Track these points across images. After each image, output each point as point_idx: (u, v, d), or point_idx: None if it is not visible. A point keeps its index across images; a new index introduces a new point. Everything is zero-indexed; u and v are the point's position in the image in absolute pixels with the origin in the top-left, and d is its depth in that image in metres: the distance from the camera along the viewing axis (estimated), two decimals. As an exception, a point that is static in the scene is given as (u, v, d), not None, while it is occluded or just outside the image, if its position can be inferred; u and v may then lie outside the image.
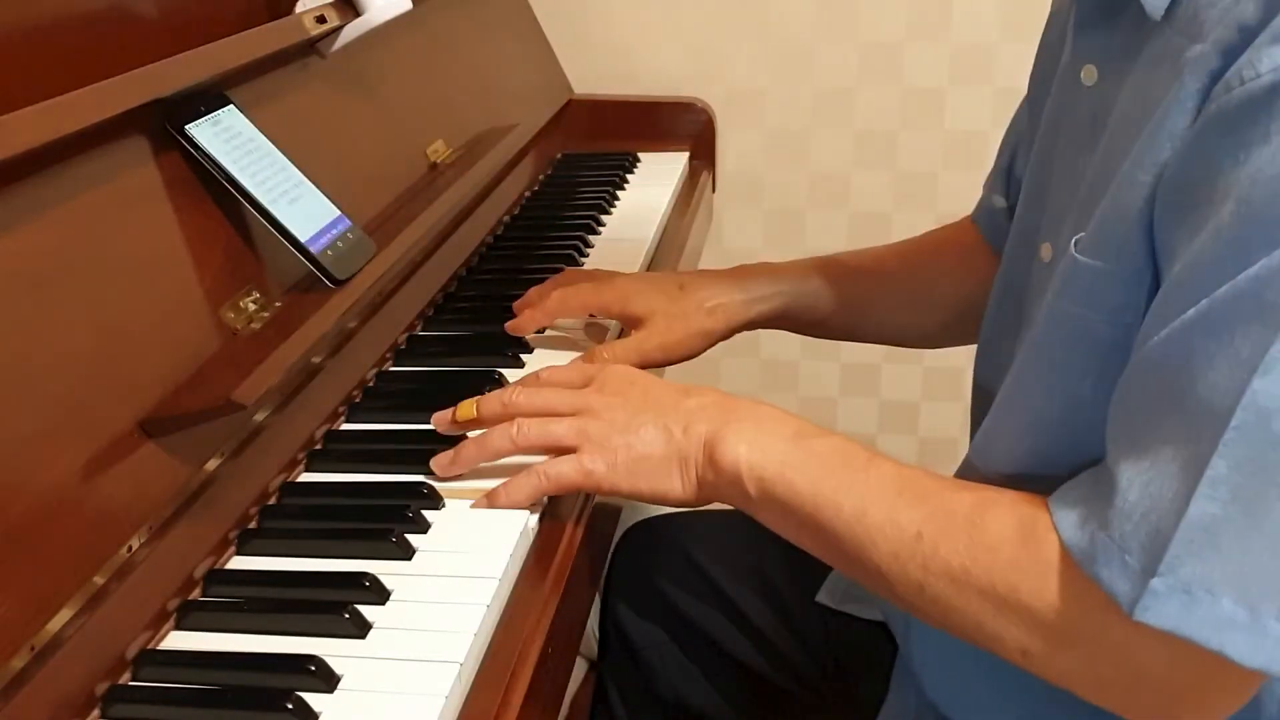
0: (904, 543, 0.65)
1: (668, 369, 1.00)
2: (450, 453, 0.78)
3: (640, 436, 0.74)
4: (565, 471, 0.74)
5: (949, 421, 1.85)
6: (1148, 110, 0.61)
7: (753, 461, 0.71)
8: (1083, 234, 0.65)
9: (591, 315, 1.00)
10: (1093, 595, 0.59)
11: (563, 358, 0.97)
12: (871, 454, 0.70)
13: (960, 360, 1.80)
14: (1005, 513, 0.64)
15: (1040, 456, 0.69)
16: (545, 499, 0.77)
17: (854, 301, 1.01)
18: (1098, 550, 0.58)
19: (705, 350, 0.98)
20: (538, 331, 1.00)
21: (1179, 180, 0.59)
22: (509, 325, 0.99)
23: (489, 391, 0.82)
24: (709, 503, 0.76)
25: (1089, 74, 0.70)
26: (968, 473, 0.78)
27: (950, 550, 0.63)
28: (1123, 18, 0.67)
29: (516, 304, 1.01)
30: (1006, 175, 0.97)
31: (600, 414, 0.76)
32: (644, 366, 0.93)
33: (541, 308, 0.98)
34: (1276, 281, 0.53)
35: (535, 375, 0.82)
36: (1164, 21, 0.63)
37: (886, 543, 0.66)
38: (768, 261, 1.03)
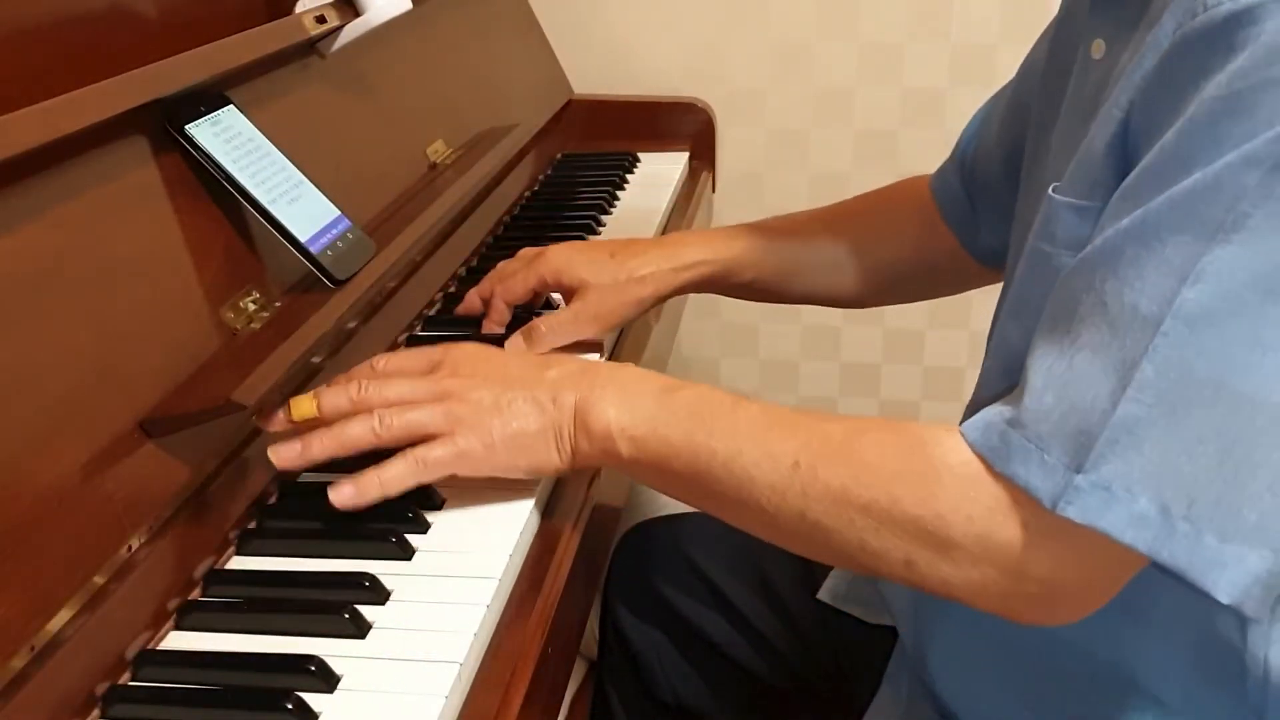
0: (781, 473, 0.66)
1: (670, 363, 1.00)
2: (295, 443, 0.73)
3: (512, 412, 0.74)
4: (441, 456, 0.73)
5: (949, 421, 1.85)
6: (1133, 60, 0.63)
7: (623, 422, 0.72)
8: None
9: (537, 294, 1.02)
10: (989, 495, 0.61)
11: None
12: (737, 398, 0.72)
13: (960, 360, 1.82)
14: (882, 435, 0.67)
15: None
16: (544, 499, 0.77)
17: (781, 265, 1.04)
18: (1012, 450, 0.60)
19: (639, 316, 1.01)
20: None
21: (1145, 110, 0.61)
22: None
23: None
24: (581, 469, 0.77)
25: (1098, 48, 0.71)
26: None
27: (830, 473, 0.65)
28: None
29: (459, 310, 1.03)
30: (960, 161, 1.01)
31: (464, 396, 0.74)
32: (581, 337, 0.96)
33: (494, 309, 1.00)
34: (1209, 194, 0.55)
35: (371, 366, 0.79)
36: None
37: (764, 476, 0.67)
38: (698, 229, 1.02)
